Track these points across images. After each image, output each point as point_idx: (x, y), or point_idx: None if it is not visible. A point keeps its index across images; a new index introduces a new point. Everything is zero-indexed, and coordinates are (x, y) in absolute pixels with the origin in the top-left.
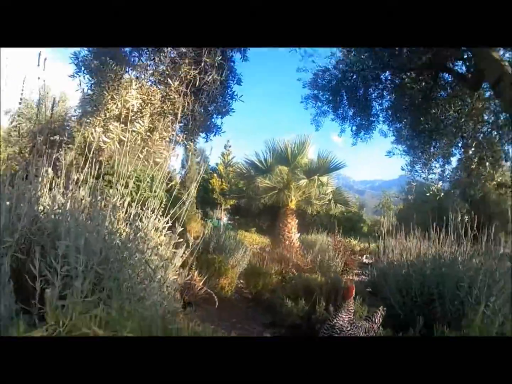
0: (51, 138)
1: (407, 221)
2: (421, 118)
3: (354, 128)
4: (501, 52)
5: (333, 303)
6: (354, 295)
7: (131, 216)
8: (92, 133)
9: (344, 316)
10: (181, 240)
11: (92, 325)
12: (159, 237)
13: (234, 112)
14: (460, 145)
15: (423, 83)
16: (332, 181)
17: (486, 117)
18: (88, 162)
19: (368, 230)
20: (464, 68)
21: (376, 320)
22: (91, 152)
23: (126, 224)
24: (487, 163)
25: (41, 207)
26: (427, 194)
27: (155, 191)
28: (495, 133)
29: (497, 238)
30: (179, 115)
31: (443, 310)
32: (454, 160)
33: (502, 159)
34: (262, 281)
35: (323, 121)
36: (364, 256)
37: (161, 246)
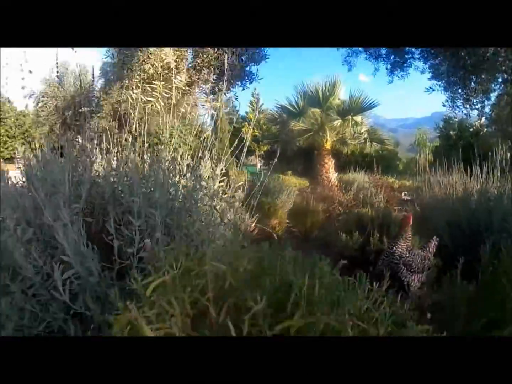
0: (79, 110)
1: (445, 158)
2: (461, 53)
3: (388, 66)
4: None
5: (388, 235)
6: (411, 224)
7: (187, 167)
8: (131, 95)
9: (402, 244)
10: (240, 183)
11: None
12: (215, 185)
13: (268, 58)
14: (500, 80)
15: None
16: (366, 120)
17: None
18: (125, 125)
19: (403, 168)
20: None
21: (430, 249)
22: (131, 114)
23: (183, 175)
24: None
25: (95, 173)
26: (470, 130)
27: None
28: None
29: None
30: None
31: (491, 241)
32: (493, 96)
33: None
34: (310, 219)
35: (355, 61)
36: (403, 193)
37: (221, 193)
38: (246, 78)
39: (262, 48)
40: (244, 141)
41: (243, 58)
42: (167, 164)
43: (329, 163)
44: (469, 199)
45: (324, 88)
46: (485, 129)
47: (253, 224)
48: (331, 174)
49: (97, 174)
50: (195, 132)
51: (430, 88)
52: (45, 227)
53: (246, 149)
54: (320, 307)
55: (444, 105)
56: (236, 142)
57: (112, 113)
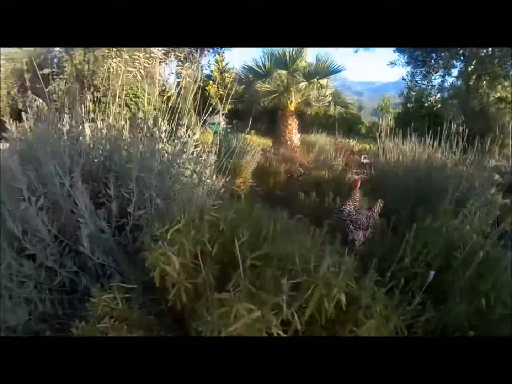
0: (40, 72)
1: (404, 126)
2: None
3: None
4: None
5: (341, 195)
6: (359, 187)
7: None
8: (110, 64)
9: (350, 204)
10: (211, 148)
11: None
12: (193, 148)
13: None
14: (462, 58)
15: None
16: (331, 84)
17: None
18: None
19: (366, 132)
20: None
21: (375, 210)
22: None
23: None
24: (486, 79)
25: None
26: (425, 105)
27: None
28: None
29: (491, 150)
30: None
31: (430, 208)
32: (454, 72)
33: (501, 76)
34: (273, 179)
35: None
36: (363, 157)
37: (196, 155)
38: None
39: None
40: (209, 99)
41: None
42: (149, 130)
43: (293, 124)
44: (418, 168)
45: (291, 50)
46: (439, 105)
47: (221, 183)
48: (294, 135)
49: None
50: (158, 91)
51: (392, 63)
52: (50, 195)
53: (211, 108)
54: (282, 240)
55: (404, 79)
56: (199, 100)
57: (75, 75)
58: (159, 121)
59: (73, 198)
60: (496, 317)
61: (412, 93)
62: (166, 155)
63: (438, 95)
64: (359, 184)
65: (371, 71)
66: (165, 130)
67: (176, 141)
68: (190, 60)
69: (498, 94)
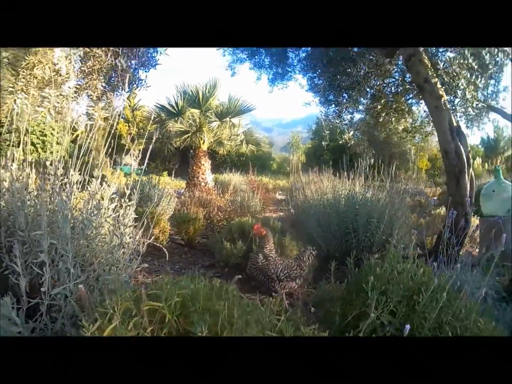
0: None
1: (315, 159)
2: (337, 76)
3: (270, 76)
4: None
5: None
6: (262, 233)
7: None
8: (15, 101)
9: (258, 251)
10: (130, 202)
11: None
12: (110, 204)
13: (159, 65)
14: (368, 96)
15: None
16: (243, 122)
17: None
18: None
19: (277, 167)
20: None
21: (304, 259)
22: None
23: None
24: (393, 115)
25: None
26: (340, 142)
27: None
28: (401, 89)
29: (397, 175)
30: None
31: (357, 241)
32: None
33: (405, 111)
34: (193, 226)
35: (238, 68)
36: (277, 193)
37: (113, 211)
38: (134, 83)
39: (153, 56)
40: (119, 139)
41: (132, 62)
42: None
43: (206, 164)
44: (339, 204)
45: (204, 89)
46: (352, 142)
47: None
48: (208, 176)
49: None
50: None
51: (307, 103)
52: None
53: (124, 149)
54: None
55: (318, 118)
56: (109, 139)
57: None
58: (70, 170)
59: None
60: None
61: (326, 131)
62: (80, 214)
63: (352, 132)
64: (258, 230)
65: (280, 109)
66: (77, 181)
67: (88, 195)
68: (103, 99)
69: (402, 126)
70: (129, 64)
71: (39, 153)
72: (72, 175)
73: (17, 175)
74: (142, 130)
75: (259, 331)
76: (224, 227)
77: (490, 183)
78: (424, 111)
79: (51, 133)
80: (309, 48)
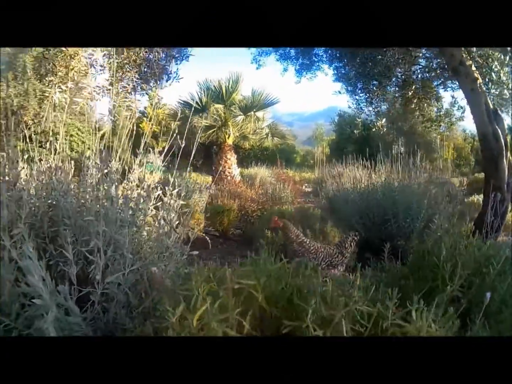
0: None
1: (341, 152)
2: (367, 63)
3: (297, 67)
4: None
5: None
6: (280, 224)
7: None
8: (55, 93)
9: (289, 243)
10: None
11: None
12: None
13: (192, 55)
14: (397, 83)
15: None
16: (267, 116)
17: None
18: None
19: (301, 160)
20: None
21: (346, 245)
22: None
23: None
24: (424, 103)
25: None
26: (373, 130)
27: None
28: (428, 75)
29: (423, 165)
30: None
31: (398, 228)
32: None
33: (433, 98)
34: (227, 217)
35: (264, 60)
36: (304, 185)
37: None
38: (166, 77)
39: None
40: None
41: (162, 55)
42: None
43: (232, 159)
44: (376, 192)
45: (227, 84)
46: (384, 129)
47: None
48: (234, 170)
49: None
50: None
51: (338, 92)
52: None
53: (145, 146)
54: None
55: (349, 107)
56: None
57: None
58: (112, 160)
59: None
60: None
61: (358, 119)
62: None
63: (384, 120)
64: (277, 222)
65: (300, 102)
66: (117, 170)
67: (132, 183)
68: (138, 91)
69: (430, 114)
70: (162, 56)
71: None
72: (112, 165)
73: (58, 164)
74: (165, 128)
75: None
76: (259, 218)
77: None
78: (453, 98)
79: (77, 133)
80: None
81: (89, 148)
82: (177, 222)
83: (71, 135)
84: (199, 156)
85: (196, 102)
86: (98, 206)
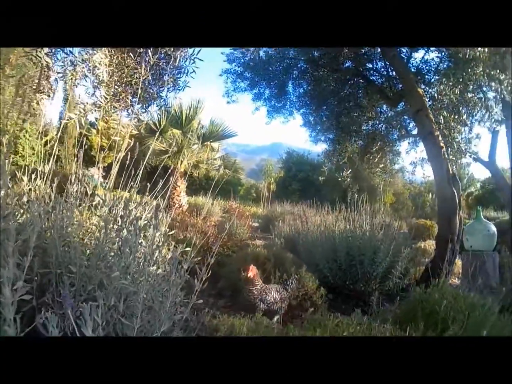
0: None
1: (286, 190)
2: (343, 118)
3: (270, 109)
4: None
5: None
6: (255, 274)
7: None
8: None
9: (254, 287)
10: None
11: None
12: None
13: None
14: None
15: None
16: (221, 147)
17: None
18: None
19: (244, 193)
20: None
21: (291, 286)
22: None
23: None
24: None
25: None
26: (339, 179)
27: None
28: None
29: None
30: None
31: (362, 273)
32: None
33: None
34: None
35: (236, 96)
36: (252, 221)
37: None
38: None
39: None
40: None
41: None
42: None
43: (182, 186)
44: (347, 239)
45: (188, 110)
46: (348, 179)
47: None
48: (182, 198)
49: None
50: (39, 134)
51: (313, 141)
52: None
53: (94, 160)
54: None
55: (319, 155)
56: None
57: None
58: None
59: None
60: None
61: (325, 167)
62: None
63: (350, 170)
64: (255, 271)
65: (247, 134)
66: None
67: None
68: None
69: (382, 165)
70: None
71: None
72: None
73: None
74: (114, 144)
75: None
76: (220, 255)
77: (472, 222)
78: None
79: (24, 135)
80: (308, 86)
81: (33, 154)
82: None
83: (18, 137)
84: (147, 179)
85: (154, 123)
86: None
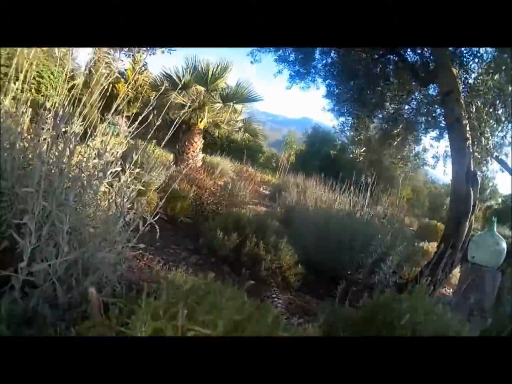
0: None
1: (305, 164)
2: (368, 92)
3: (292, 73)
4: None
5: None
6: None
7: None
8: None
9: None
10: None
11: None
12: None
13: None
14: (381, 116)
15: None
16: (244, 110)
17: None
18: None
19: (264, 161)
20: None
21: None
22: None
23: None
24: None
25: None
26: (350, 156)
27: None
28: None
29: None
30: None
31: (350, 258)
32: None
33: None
34: (181, 204)
35: (259, 56)
36: (262, 187)
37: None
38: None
39: None
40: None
41: None
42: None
43: (198, 143)
44: (342, 220)
45: (215, 68)
46: (361, 158)
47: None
48: (197, 155)
49: None
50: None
51: (326, 109)
52: None
53: (116, 108)
54: None
55: (334, 127)
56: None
57: None
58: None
59: None
60: None
61: (338, 141)
62: (79, 172)
63: (364, 148)
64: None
65: (279, 104)
66: (77, 134)
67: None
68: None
69: (403, 154)
70: None
71: (32, 94)
72: (73, 124)
73: (10, 111)
74: (141, 95)
75: None
76: (213, 212)
77: (483, 233)
78: (431, 146)
79: (49, 76)
80: (336, 55)
81: (57, 95)
82: (129, 206)
83: (42, 77)
84: (167, 132)
85: (178, 77)
86: (42, 170)
